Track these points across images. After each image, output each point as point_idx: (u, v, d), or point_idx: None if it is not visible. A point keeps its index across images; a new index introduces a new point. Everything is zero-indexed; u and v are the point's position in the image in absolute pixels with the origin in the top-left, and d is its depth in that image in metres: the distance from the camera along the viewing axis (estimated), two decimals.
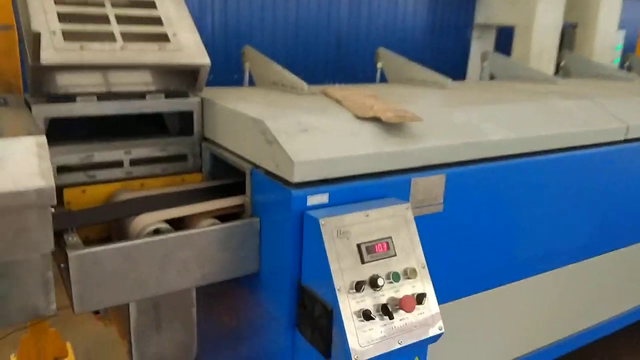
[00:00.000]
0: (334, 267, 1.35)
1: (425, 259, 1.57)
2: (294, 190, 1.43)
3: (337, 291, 1.33)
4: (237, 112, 1.67)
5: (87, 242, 1.79)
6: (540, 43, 6.54)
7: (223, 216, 1.69)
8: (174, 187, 1.84)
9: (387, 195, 1.59)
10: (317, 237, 1.37)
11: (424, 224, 1.68)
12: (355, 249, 1.40)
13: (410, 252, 1.47)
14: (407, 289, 1.42)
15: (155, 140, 1.85)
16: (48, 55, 1.55)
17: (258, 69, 2.39)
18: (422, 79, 2.65)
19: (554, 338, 2.34)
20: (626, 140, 2.22)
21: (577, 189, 2.09)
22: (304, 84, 2.09)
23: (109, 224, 1.77)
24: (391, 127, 1.67)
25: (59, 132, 1.75)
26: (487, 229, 1.87)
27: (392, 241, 1.45)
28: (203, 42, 1.80)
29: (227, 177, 1.85)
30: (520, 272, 2.05)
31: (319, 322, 1.39)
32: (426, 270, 1.47)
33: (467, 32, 7.94)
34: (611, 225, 2.31)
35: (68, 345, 2.90)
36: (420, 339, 1.40)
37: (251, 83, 2.48)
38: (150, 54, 1.72)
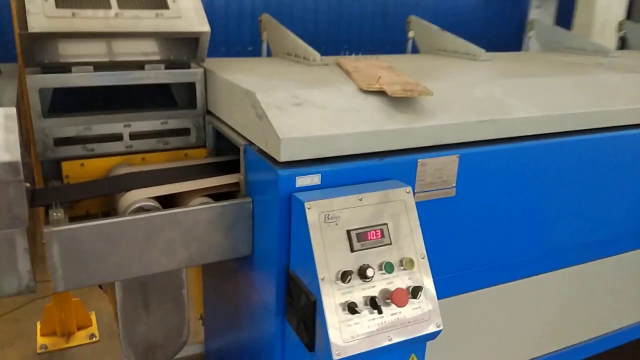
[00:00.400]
0: (318, 254, 1.24)
1: (433, 248, 1.44)
2: (281, 169, 1.32)
3: (320, 281, 1.22)
4: (232, 84, 1.56)
5: (88, 217, 1.78)
6: (604, 13, 6.05)
7: (223, 194, 1.61)
8: (175, 162, 1.78)
9: (389, 178, 1.45)
10: (303, 222, 1.26)
11: (432, 209, 1.55)
12: (345, 235, 1.28)
13: (409, 240, 1.34)
14: (401, 281, 1.30)
15: (156, 114, 1.78)
16: (37, 22, 1.49)
17: (274, 38, 2.28)
18: (454, 49, 2.46)
19: (568, 343, 2.14)
20: None
21: (616, 174, 1.87)
22: (316, 54, 1.96)
23: (108, 198, 1.73)
24: (399, 101, 1.52)
25: (62, 104, 1.72)
26: (505, 217, 1.70)
27: (388, 228, 1.32)
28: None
29: (231, 153, 1.77)
30: (539, 266, 1.87)
31: (303, 312, 1.29)
32: (426, 261, 1.34)
33: (526, 1, 7.46)
34: None
35: (92, 315, 2.95)
36: (414, 336, 1.28)
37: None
38: (146, 21, 1.63)
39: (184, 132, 1.82)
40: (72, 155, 1.69)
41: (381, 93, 1.52)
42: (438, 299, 1.50)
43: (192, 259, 1.45)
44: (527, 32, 3.12)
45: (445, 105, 1.58)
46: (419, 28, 2.72)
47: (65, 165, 1.68)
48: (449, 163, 1.54)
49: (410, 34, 2.79)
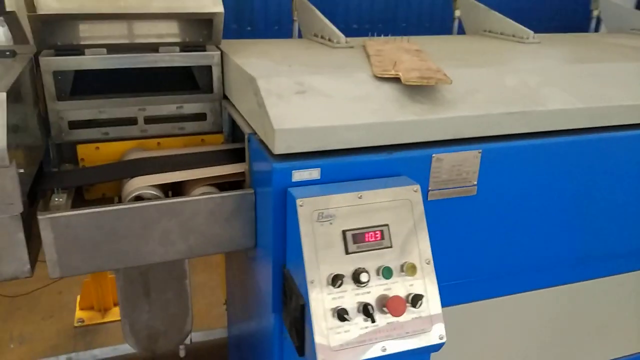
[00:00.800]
0: (308, 255, 1.15)
1: (449, 250, 1.32)
2: (276, 162, 1.24)
3: (309, 284, 1.14)
4: (240, 68, 1.49)
5: (103, 200, 1.78)
6: None
7: (234, 183, 1.56)
8: (189, 148, 1.74)
9: (399, 174, 1.34)
10: (295, 219, 1.18)
11: (449, 208, 1.43)
12: (340, 236, 1.18)
13: (413, 244, 1.23)
14: (401, 288, 1.19)
15: (171, 98, 1.74)
16: (45, 4, 1.47)
17: (304, 19, 2.18)
18: (500, 30, 2.26)
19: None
20: None
21: None
22: (340, 36, 1.85)
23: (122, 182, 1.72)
24: (416, 90, 1.39)
25: (86, 86, 1.71)
26: (534, 220, 1.53)
27: (389, 229, 1.22)
28: None
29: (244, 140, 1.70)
30: (570, 276, 1.69)
31: (294, 315, 1.21)
32: (431, 267, 1.22)
33: None
34: None
35: None
36: (411, 348, 1.17)
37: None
38: (157, 2, 1.58)
39: (200, 117, 1.77)
40: (87, 139, 1.68)
41: (397, 80, 1.40)
42: (453, 305, 1.39)
43: (191, 251, 1.40)
44: (592, 12, 2.84)
45: (469, 94, 1.44)
46: (465, 6, 2.53)
47: (80, 149, 1.68)
48: (470, 159, 1.40)
49: (457, 13, 2.61)
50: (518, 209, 1.50)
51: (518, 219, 1.51)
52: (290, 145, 1.23)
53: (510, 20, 2.22)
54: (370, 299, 1.17)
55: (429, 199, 1.39)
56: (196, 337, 2.44)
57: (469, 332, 1.65)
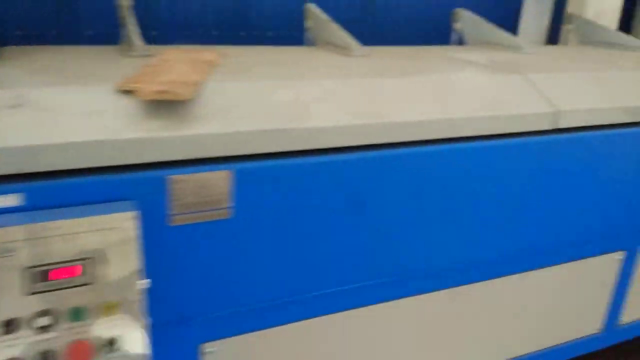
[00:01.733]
0: None
1: (201, 279, 1.21)
2: None
3: None
4: None
5: None
6: (599, 3, 5.59)
7: None
8: None
9: (129, 198, 1.19)
10: None
11: (200, 234, 1.30)
12: (22, 273, 1.03)
13: (121, 280, 1.09)
14: (97, 330, 1.05)
15: None
16: None
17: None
18: (335, 43, 2.18)
19: None
20: (554, 131, 1.65)
21: (440, 195, 1.57)
22: (137, 44, 1.71)
23: None
24: (163, 106, 1.26)
25: None
26: (305, 242, 1.42)
27: (91, 263, 1.07)
28: None
29: None
30: (353, 300, 1.58)
31: None
32: (137, 304, 1.08)
33: None
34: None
35: None
36: None
37: None
38: None
39: None
40: None
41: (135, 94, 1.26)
42: (225, 337, 1.26)
43: None
44: (452, 23, 2.81)
45: (226, 110, 1.31)
46: (314, 18, 2.44)
47: None
48: (218, 180, 1.28)
49: (308, 23, 2.52)
50: (286, 231, 1.38)
51: (287, 241, 1.40)
52: None
53: (343, 32, 2.14)
54: (57, 345, 1.02)
55: (173, 224, 1.26)
56: None
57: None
